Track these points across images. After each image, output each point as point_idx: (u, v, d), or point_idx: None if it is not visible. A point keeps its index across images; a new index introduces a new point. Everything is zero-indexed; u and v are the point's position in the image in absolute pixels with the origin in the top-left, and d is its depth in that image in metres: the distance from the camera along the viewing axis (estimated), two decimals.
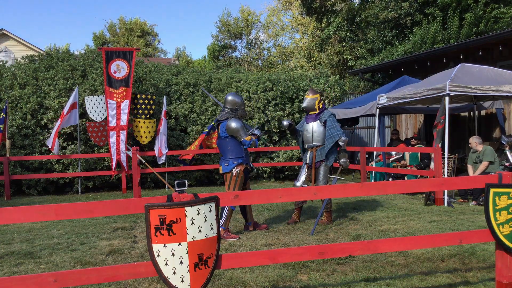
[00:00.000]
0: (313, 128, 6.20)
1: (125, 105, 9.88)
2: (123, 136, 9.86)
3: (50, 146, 9.45)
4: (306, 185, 6.16)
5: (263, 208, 7.25)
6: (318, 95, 6.26)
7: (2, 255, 4.84)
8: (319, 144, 6.17)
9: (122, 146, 9.80)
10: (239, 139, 5.44)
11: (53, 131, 9.44)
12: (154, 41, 38.40)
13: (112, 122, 9.80)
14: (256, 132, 5.71)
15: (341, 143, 6.10)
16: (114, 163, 9.84)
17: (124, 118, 9.85)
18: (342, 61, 21.31)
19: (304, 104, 6.31)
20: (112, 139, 9.82)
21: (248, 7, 33.70)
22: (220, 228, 5.34)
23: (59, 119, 9.52)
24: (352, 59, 19.16)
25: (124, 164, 9.87)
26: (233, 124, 5.43)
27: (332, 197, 5.93)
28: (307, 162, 6.25)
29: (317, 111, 6.23)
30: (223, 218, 5.42)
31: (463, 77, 7.66)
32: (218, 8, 63.70)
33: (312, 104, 6.22)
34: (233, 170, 5.47)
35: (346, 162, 6.18)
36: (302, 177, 6.25)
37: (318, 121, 6.20)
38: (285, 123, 6.22)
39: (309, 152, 6.26)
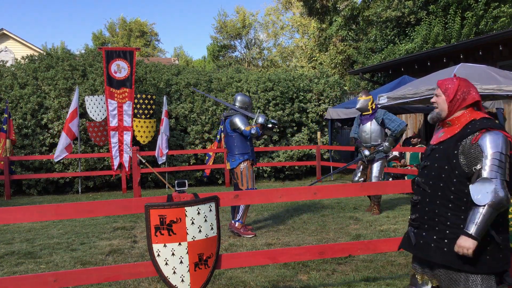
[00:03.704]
0: (371, 128, 6.50)
1: (128, 106, 9.90)
2: (127, 137, 9.90)
3: (66, 154, 9.45)
4: (362, 180, 6.65)
5: (263, 208, 7.25)
6: (371, 97, 6.59)
7: (2, 255, 4.84)
8: (376, 143, 6.50)
9: (126, 147, 9.82)
10: (240, 130, 5.46)
11: (63, 143, 9.40)
12: (152, 40, 38.36)
13: (113, 122, 9.83)
14: (260, 119, 5.60)
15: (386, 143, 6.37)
16: (115, 163, 9.89)
17: (128, 119, 9.91)
18: (344, 60, 21.28)
19: (357, 106, 6.60)
20: (114, 139, 9.86)
21: (242, 7, 33.50)
22: (238, 223, 5.38)
23: (64, 128, 9.47)
24: (355, 54, 19.13)
25: (126, 164, 9.89)
26: (235, 118, 5.53)
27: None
28: (364, 160, 6.58)
29: (371, 112, 6.53)
30: (240, 212, 5.46)
31: (463, 76, 7.65)
32: (218, 8, 63.74)
33: (365, 105, 6.54)
34: (241, 165, 5.51)
35: (365, 157, 6.48)
36: (359, 173, 6.63)
37: (374, 121, 6.50)
38: (367, 152, 6.53)
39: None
